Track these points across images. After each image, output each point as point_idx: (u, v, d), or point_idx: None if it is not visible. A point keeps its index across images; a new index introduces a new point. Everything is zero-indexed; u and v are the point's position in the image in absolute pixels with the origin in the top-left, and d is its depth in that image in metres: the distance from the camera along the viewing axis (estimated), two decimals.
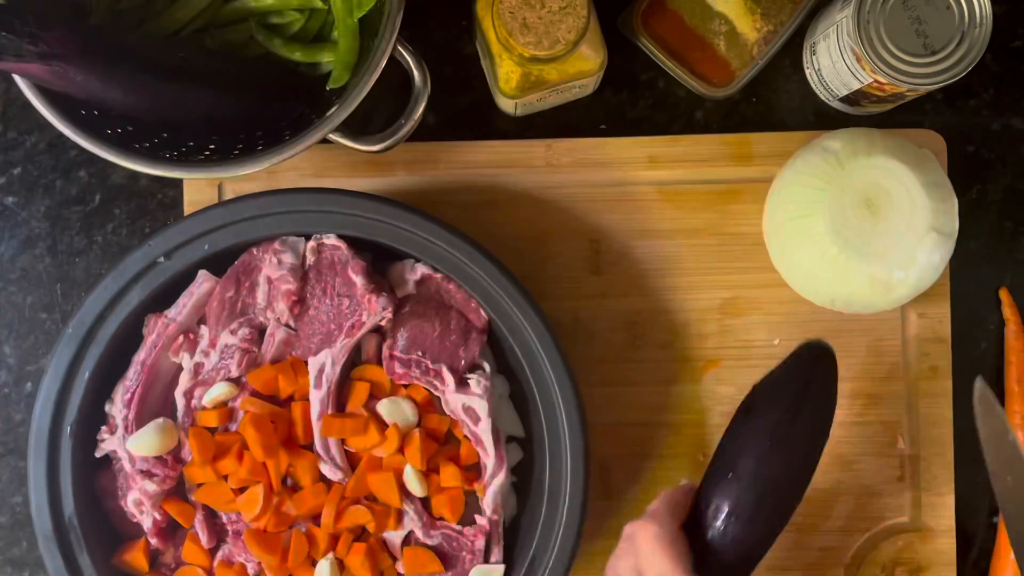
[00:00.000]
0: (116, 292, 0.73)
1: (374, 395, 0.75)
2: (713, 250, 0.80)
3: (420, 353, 0.74)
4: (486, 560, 0.74)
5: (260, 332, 0.75)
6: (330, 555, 0.74)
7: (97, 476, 0.76)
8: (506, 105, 0.77)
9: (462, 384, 0.74)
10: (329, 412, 0.73)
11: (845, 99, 0.78)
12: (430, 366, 0.74)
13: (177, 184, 0.81)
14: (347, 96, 0.69)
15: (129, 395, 0.74)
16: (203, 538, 0.75)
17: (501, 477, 0.74)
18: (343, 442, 0.74)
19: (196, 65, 0.72)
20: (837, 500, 0.80)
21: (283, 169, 0.78)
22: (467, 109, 0.81)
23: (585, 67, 0.71)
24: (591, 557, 0.78)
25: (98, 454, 0.75)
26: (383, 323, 0.74)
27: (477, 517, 0.74)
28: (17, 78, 0.67)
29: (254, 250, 0.75)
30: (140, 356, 0.75)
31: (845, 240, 0.71)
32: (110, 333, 0.73)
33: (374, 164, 0.80)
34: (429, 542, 0.75)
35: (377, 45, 0.69)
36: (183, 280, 0.75)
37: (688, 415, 0.80)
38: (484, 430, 0.73)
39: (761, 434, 0.67)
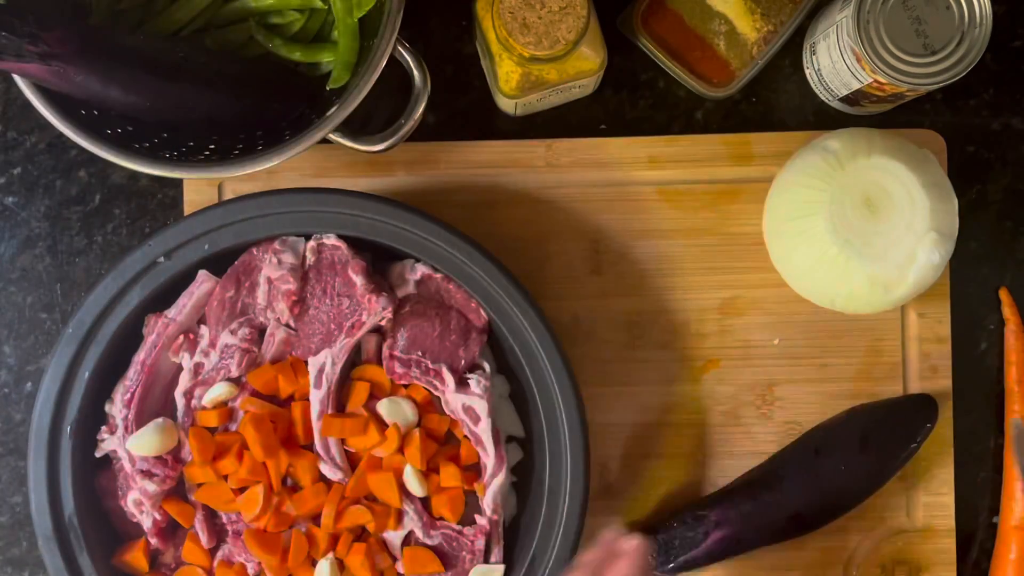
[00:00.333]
0: (116, 292, 0.73)
1: (374, 395, 0.75)
2: (713, 250, 0.80)
3: (420, 353, 0.74)
4: (486, 560, 0.74)
5: (260, 332, 0.75)
6: (330, 555, 0.74)
7: (97, 476, 0.76)
8: (506, 105, 0.77)
9: (462, 384, 0.74)
10: (329, 412, 0.73)
11: (845, 99, 0.78)
12: (430, 366, 0.74)
13: (177, 184, 0.81)
14: (347, 96, 0.69)
15: (129, 395, 0.74)
16: (203, 538, 0.75)
17: (501, 477, 0.74)
18: (343, 442, 0.74)
19: (196, 64, 0.72)
20: None
21: (283, 169, 0.78)
22: (467, 109, 0.81)
23: (585, 67, 0.71)
24: None
25: (98, 454, 0.75)
26: (383, 323, 0.74)
27: (477, 517, 0.74)
28: (17, 78, 0.67)
29: (254, 250, 0.75)
30: (140, 356, 0.75)
31: (845, 240, 0.71)
32: (110, 333, 0.73)
33: (374, 164, 0.80)
34: (429, 542, 0.75)
35: (377, 45, 0.69)
36: (183, 280, 0.75)
37: (688, 415, 0.80)
38: (484, 430, 0.73)
39: (828, 479, 0.74)
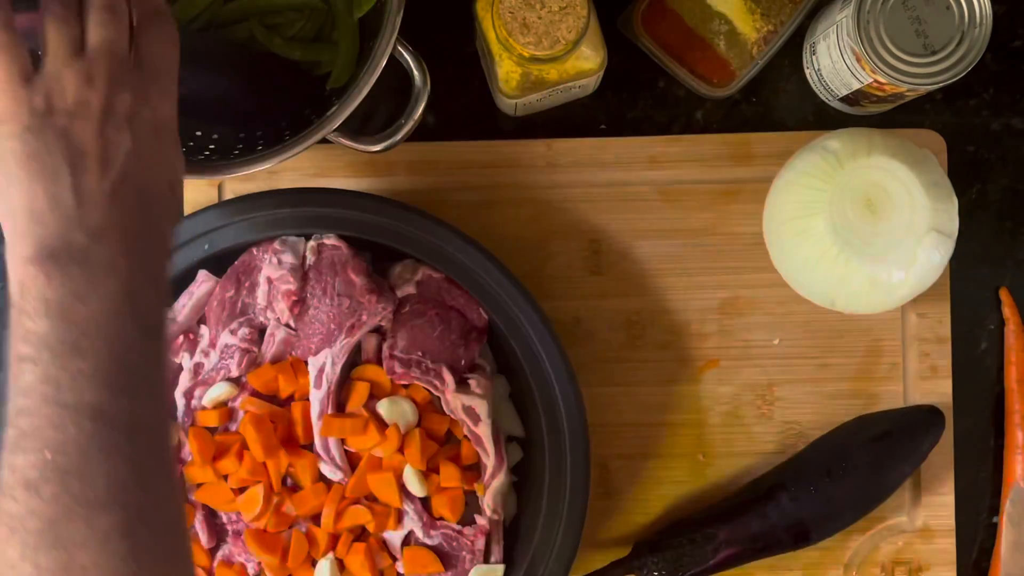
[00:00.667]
0: None
1: (374, 395, 0.74)
2: (713, 250, 0.80)
3: (420, 353, 0.74)
4: (486, 560, 0.74)
5: (260, 332, 0.75)
6: (330, 555, 0.74)
7: None
8: (506, 105, 0.77)
9: (462, 384, 0.74)
10: (329, 412, 0.73)
11: (845, 99, 0.78)
12: (430, 366, 0.74)
13: None
14: (347, 96, 0.69)
15: None
16: (203, 538, 0.75)
17: (501, 477, 0.74)
18: (343, 442, 0.74)
19: (208, 46, 0.71)
20: None
21: (283, 169, 0.78)
22: (467, 109, 0.81)
23: (585, 67, 0.71)
24: (591, 557, 0.78)
25: None
26: (383, 323, 0.74)
27: (477, 517, 0.74)
28: None
29: (254, 250, 0.75)
30: None
31: (845, 240, 0.71)
32: None
33: (374, 164, 0.80)
34: (429, 542, 0.75)
35: (377, 45, 0.69)
36: (183, 280, 0.75)
37: (688, 415, 0.80)
38: (484, 430, 0.73)
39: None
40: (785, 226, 0.74)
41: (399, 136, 0.71)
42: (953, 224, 0.73)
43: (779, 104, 0.81)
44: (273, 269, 0.73)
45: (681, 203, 0.80)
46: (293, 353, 0.75)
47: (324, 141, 0.69)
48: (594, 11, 0.69)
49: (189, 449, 0.74)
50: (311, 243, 0.74)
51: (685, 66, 0.79)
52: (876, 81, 0.71)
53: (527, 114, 0.80)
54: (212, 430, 0.74)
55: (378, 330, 0.75)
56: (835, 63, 0.74)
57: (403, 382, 0.75)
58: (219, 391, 0.74)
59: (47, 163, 0.53)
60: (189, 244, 0.73)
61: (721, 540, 0.75)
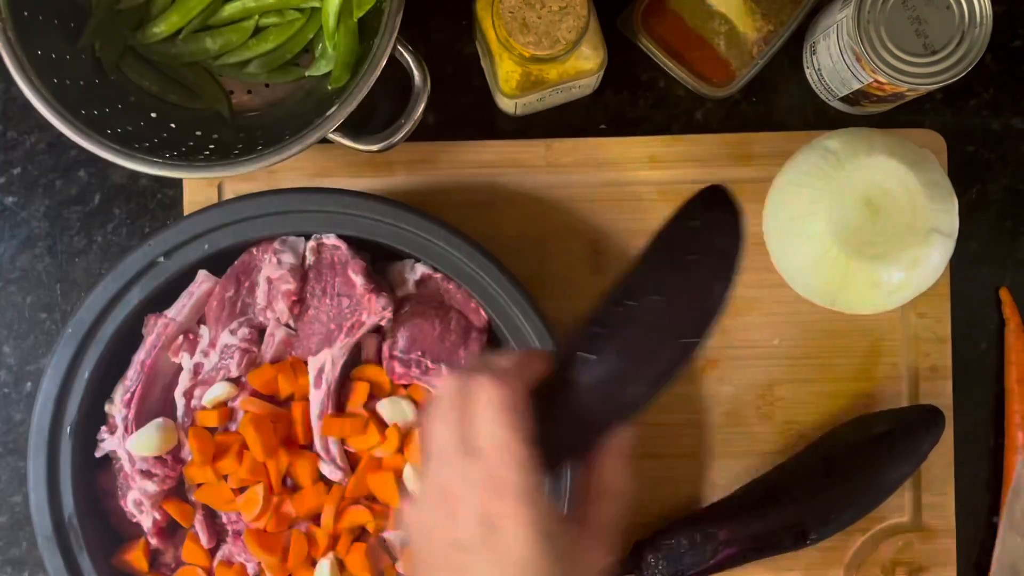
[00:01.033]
0: (116, 292, 0.73)
1: (374, 395, 0.74)
2: None
3: (420, 353, 0.74)
4: None
5: (260, 332, 0.75)
6: (330, 555, 0.74)
7: (97, 476, 0.76)
8: (506, 105, 0.77)
9: None
10: (329, 412, 0.73)
11: (845, 99, 0.78)
12: (430, 366, 0.74)
13: (177, 184, 0.81)
14: (347, 96, 0.69)
15: (129, 395, 0.74)
16: (203, 538, 0.75)
17: None
18: (343, 442, 0.74)
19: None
20: None
21: (283, 169, 0.78)
22: (467, 109, 0.81)
23: (585, 67, 0.71)
24: None
25: (98, 454, 0.75)
26: (383, 323, 0.74)
27: None
28: (17, 78, 0.67)
29: (254, 250, 0.75)
30: (140, 356, 0.75)
31: (845, 240, 0.71)
32: (110, 333, 0.73)
33: (374, 164, 0.80)
34: None
35: (377, 45, 0.69)
36: (183, 280, 0.75)
37: (688, 415, 0.80)
38: None
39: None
40: (785, 226, 0.74)
41: (399, 136, 0.71)
42: (953, 224, 0.73)
43: (779, 104, 0.81)
44: (273, 269, 0.73)
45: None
46: (293, 353, 0.75)
47: (324, 141, 0.69)
48: (594, 11, 0.69)
49: (189, 449, 0.74)
50: (311, 243, 0.74)
51: (685, 66, 0.79)
52: (876, 81, 0.71)
53: (527, 114, 0.80)
54: (212, 430, 0.74)
55: (378, 330, 0.75)
56: (835, 63, 0.74)
57: (403, 382, 0.75)
58: (219, 391, 0.74)
59: None
60: (189, 244, 0.73)
61: (721, 540, 0.75)
